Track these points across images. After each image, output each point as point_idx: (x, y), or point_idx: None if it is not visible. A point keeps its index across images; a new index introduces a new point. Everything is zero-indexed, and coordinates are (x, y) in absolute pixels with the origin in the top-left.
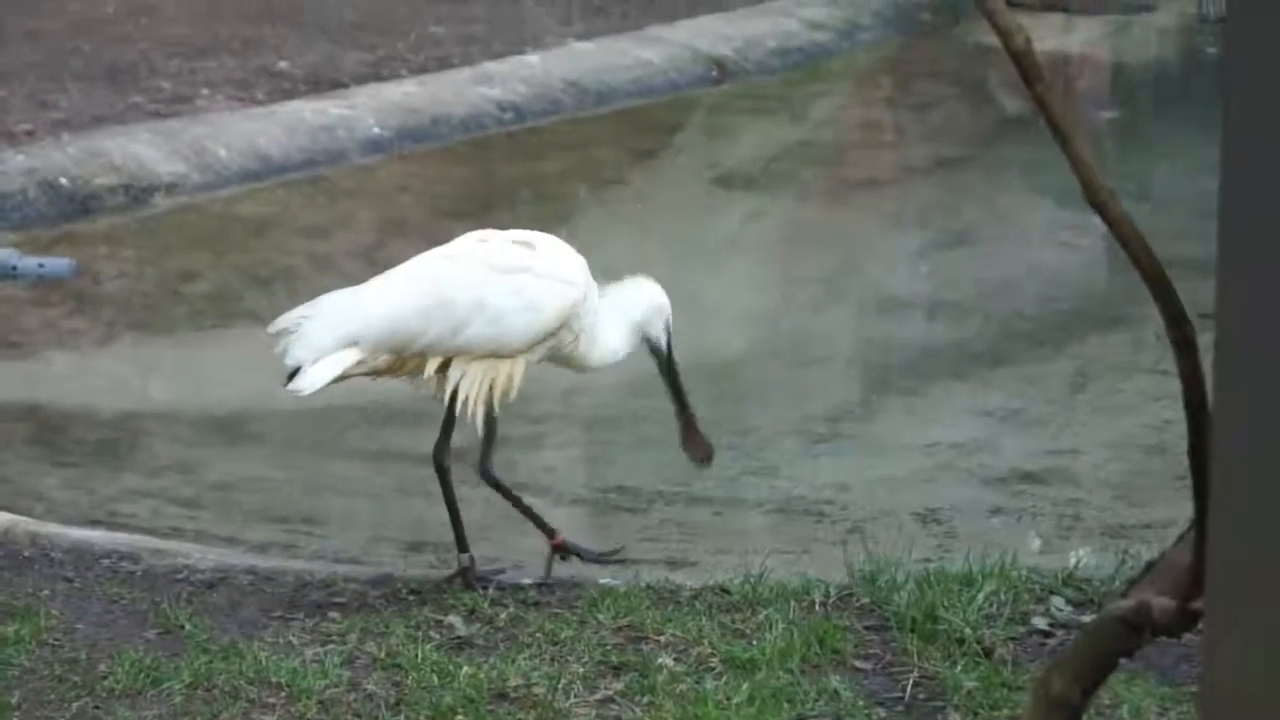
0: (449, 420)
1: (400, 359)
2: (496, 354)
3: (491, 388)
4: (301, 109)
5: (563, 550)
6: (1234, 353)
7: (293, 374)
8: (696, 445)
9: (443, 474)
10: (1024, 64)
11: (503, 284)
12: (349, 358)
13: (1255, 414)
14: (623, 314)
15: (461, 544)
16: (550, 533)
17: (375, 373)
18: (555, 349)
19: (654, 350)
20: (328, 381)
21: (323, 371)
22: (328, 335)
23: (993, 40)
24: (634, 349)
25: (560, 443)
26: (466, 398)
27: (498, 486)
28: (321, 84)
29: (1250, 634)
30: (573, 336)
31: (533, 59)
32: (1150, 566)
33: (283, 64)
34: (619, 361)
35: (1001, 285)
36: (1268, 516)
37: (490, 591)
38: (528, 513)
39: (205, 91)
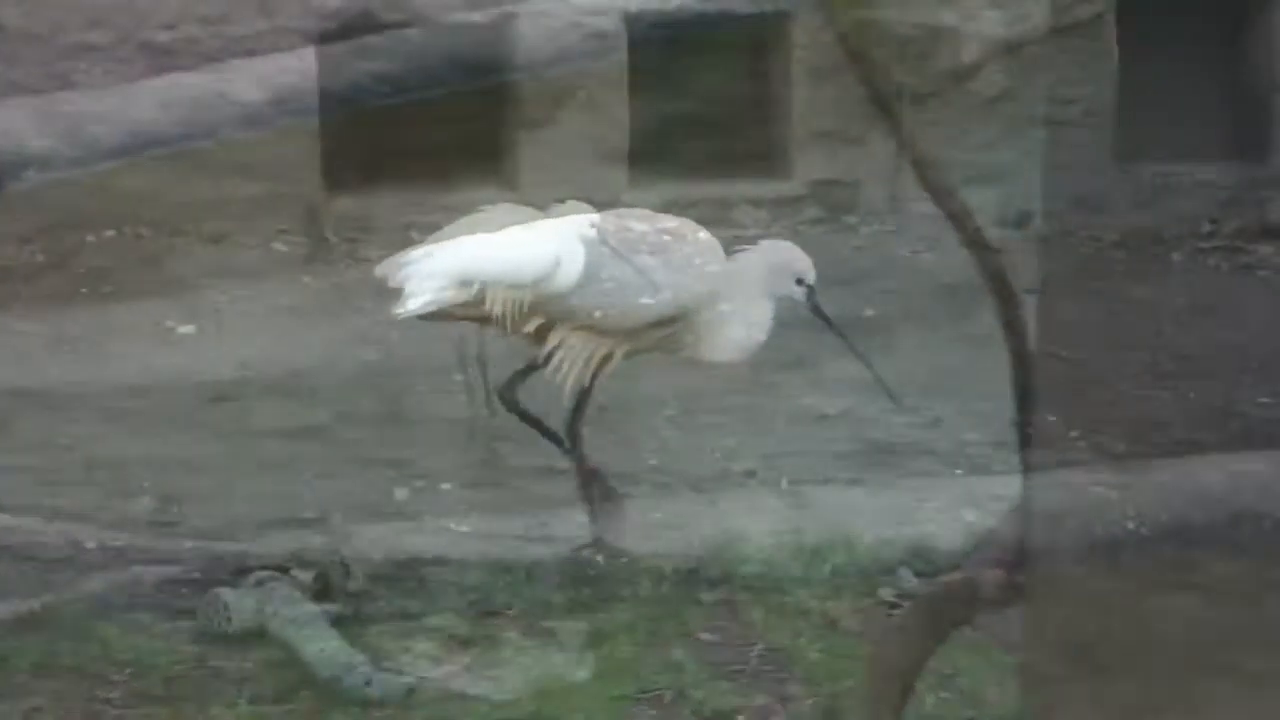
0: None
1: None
2: (600, 329)
3: (586, 365)
4: (180, 81)
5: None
6: None
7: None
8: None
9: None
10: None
11: (627, 261)
12: (459, 295)
13: None
14: (751, 294)
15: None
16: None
17: (480, 319)
18: (668, 341)
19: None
20: (427, 308)
21: (424, 298)
22: (444, 269)
23: None
24: (765, 336)
25: None
26: (559, 366)
27: (577, 458)
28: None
29: None
30: (692, 335)
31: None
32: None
33: (163, 36)
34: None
35: None
36: None
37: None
38: (586, 493)
39: (83, 66)
